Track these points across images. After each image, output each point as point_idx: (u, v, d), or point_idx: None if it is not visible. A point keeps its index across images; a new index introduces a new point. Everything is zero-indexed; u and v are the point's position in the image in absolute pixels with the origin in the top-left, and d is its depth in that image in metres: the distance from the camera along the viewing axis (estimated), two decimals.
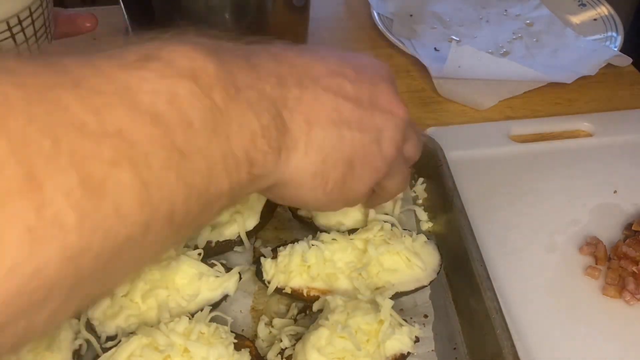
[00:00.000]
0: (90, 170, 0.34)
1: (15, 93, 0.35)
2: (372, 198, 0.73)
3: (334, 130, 0.54)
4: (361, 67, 0.59)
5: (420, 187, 0.96)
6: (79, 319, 0.75)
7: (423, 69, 1.23)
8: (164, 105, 0.39)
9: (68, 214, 0.35)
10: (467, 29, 1.36)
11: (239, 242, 0.86)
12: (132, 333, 0.71)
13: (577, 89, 1.20)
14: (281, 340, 0.74)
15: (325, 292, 0.80)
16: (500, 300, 0.75)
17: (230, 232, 0.86)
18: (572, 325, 0.80)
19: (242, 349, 0.73)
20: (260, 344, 0.76)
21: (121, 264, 0.40)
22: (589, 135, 1.10)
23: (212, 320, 0.75)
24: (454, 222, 0.86)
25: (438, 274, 0.83)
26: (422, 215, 0.93)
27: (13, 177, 0.33)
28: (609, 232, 0.92)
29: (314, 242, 0.81)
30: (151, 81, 0.40)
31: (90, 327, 0.76)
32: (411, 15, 1.38)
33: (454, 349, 0.78)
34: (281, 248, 0.82)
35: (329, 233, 0.82)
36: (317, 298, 0.79)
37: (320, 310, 0.77)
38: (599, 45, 1.27)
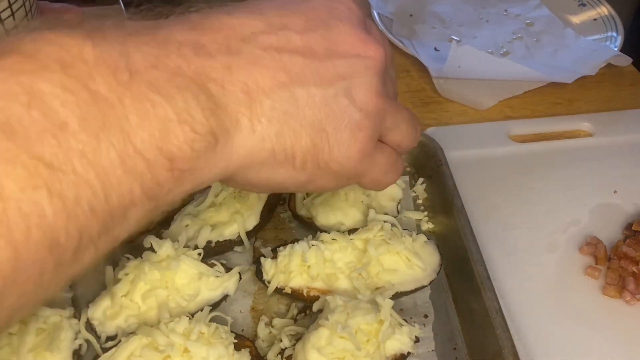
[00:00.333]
0: None
1: None
2: (387, 155, 0.58)
3: (284, 94, 0.45)
4: (312, 11, 0.49)
5: (420, 187, 0.96)
6: (79, 319, 0.76)
7: (423, 69, 1.23)
8: (20, 109, 0.32)
9: None
10: (467, 29, 1.36)
11: (239, 242, 0.86)
12: (132, 333, 0.71)
13: (577, 89, 1.20)
14: (281, 340, 0.74)
15: (325, 292, 0.80)
16: (500, 300, 0.75)
17: (230, 232, 0.86)
18: (572, 325, 0.80)
19: (242, 349, 0.73)
20: (260, 344, 0.76)
21: None
22: (589, 135, 1.10)
23: (212, 320, 0.75)
24: (454, 222, 0.86)
25: (438, 274, 0.83)
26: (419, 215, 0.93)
27: None
28: (609, 232, 0.92)
29: (314, 242, 0.81)
30: (3, 82, 0.32)
31: (90, 327, 0.76)
32: (411, 15, 1.38)
33: (454, 349, 0.78)
34: (281, 248, 0.82)
35: (329, 233, 0.83)
36: (317, 298, 0.79)
37: (320, 310, 0.77)
38: (599, 45, 1.27)
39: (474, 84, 1.19)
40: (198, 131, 0.40)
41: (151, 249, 0.80)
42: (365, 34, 0.50)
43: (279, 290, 0.80)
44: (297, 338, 0.74)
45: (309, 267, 0.80)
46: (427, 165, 0.96)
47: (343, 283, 0.80)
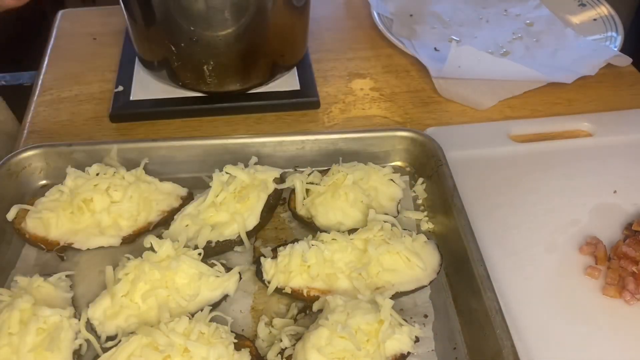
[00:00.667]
0: None
1: None
2: None
3: None
4: None
5: (420, 187, 0.96)
6: (79, 319, 0.76)
7: (423, 69, 1.23)
8: None
9: None
10: (467, 29, 1.36)
11: (239, 242, 0.86)
12: (132, 333, 0.71)
13: (577, 89, 1.20)
14: (281, 340, 0.74)
15: (325, 292, 0.80)
16: (500, 300, 0.75)
17: (230, 232, 0.86)
18: (572, 325, 0.80)
19: (242, 349, 0.73)
20: (260, 344, 0.77)
21: None
22: (589, 135, 1.10)
23: (212, 320, 0.76)
24: (454, 222, 0.86)
25: (438, 274, 0.83)
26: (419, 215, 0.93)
27: None
28: (609, 232, 0.92)
29: (314, 242, 0.81)
30: None
31: (90, 327, 0.76)
32: (411, 15, 1.38)
33: (454, 349, 0.78)
34: (281, 248, 0.82)
35: (329, 233, 0.83)
36: (317, 298, 0.79)
37: (320, 310, 0.77)
38: (599, 45, 1.27)
39: (474, 84, 1.19)
40: None
41: (151, 249, 0.80)
42: None
43: (279, 290, 0.80)
44: (297, 338, 0.74)
45: (309, 267, 0.80)
46: (427, 165, 0.96)
47: (343, 283, 0.80)
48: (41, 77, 1.21)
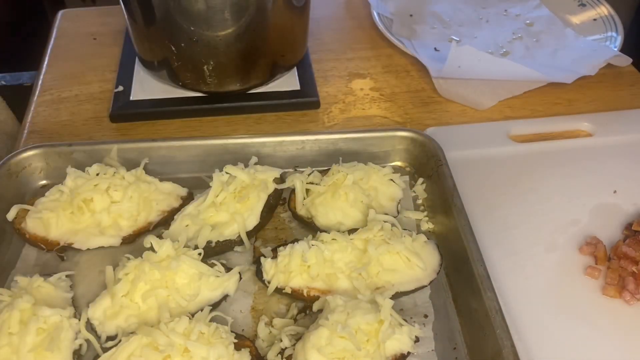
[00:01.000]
0: None
1: None
2: None
3: None
4: None
5: (420, 187, 0.96)
6: (79, 319, 0.76)
7: (423, 69, 1.23)
8: None
9: None
10: (467, 29, 1.36)
11: (239, 242, 0.86)
12: (132, 333, 0.71)
13: (577, 89, 1.20)
14: (281, 340, 0.74)
15: (325, 292, 0.80)
16: (500, 300, 0.75)
17: (230, 232, 0.86)
18: (572, 325, 0.81)
19: (242, 349, 0.73)
20: (260, 344, 0.77)
21: None
22: (589, 135, 1.10)
23: (212, 320, 0.76)
24: (454, 222, 0.86)
25: (438, 274, 0.83)
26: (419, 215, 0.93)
27: None
28: (609, 232, 0.92)
29: (314, 242, 0.81)
30: None
31: (90, 327, 0.76)
32: (411, 15, 1.38)
33: (454, 348, 0.78)
34: (281, 248, 0.82)
35: (329, 233, 0.83)
36: (317, 298, 0.79)
37: (320, 310, 0.77)
38: (598, 45, 1.27)
39: (474, 84, 1.19)
40: None
41: (151, 249, 0.80)
42: None
43: (279, 290, 0.80)
44: (297, 338, 0.74)
45: (309, 267, 0.80)
46: (427, 165, 0.96)
47: (343, 283, 0.80)
48: (41, 77, 1.21)
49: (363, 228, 0.83)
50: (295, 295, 0.80)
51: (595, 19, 1.35)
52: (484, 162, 1.03)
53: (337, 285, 0.80)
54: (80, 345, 0.74)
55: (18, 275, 0.80)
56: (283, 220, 0.94)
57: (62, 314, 0.73)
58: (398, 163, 1.02)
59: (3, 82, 1.41)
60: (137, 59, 1.18)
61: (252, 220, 0.87)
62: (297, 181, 0.90)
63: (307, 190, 0.91)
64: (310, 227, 0.89)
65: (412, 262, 0.81)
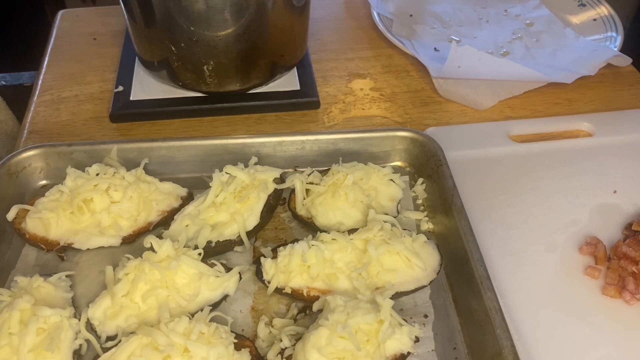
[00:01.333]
0: None
1: None
2: None
3: None
4: None
5: (420, 187, 0.96)
6: (79, 319, 0.76)
7: (423, 69, 1.23)
8: None
9: None
10: (467, 29, 1.36)
11: (239, 242, 0.86)
12: (132, 333, 0.71)
13: (577, 89, 1.20)
14: (281, 340, 0.74)
15: (325, 292, 0.80)
16: (500, 300, 0.75)
17: (230, 232, 0.86)
18: (572, 325, 0.81)
19: (242, 349, 0.73)
20: (260, 343, 0.77)
21: None
22: (589, 135, 1.10)
23: (212, 320, 0.76)
24: (453, 222, 0.86)
25: (438, 274, 0.83)
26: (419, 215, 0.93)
27: None
28: (609, 232, 0.92)
29: (314, 242, 0.81)
30: None
31: (90, 327, 0.76)
32: (411, 15, 1.38)
33: (454, 348, 0.78)
34: (281, 248, 0.82)
35: (329, 233, 0.83)
36: (317, 298, 0.79)
37: (320, 310, 0.77)
38: (598, 45, 1.27)
39: (474, 84, 1.19)
40: None
41: (151, 249, 0.80)
42: None
43: (279, 290, 0.80)
44: (297, 338, 0.74)
45: (309, 267, 0.80)
46: (427, 165, 0.96)
47: (343, 283, 0.80)
48: (41, 77, 1.21)
49: (363, 228, 0.83)
50: (295, 295, 0.80)
51: (595, 19, 1.35)
52: (484, 162, 1.03)
53: (337, 285, 0.80)
54: (80, 345, 0.74)
55: (18, 275, 0.80)
56: (283, 220, 0.94)
57: (62, 314, 0.73)
58: (398, 163, 1.02)
59: (3, 82, 1.41)
60: (137, 59, 1.18)
61: (252, 220, 0.87)
62: (297, 181, 0.90)
63: (307, 190, 0.91)
64: (310, 227, 0.89)
65: (412, 262, 0.81)
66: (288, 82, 1.16)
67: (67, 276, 0.82)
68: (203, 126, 1.10)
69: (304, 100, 1.13)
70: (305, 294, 0.80)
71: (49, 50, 1.28)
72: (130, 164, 0.93)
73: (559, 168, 1.02)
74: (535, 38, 1.32)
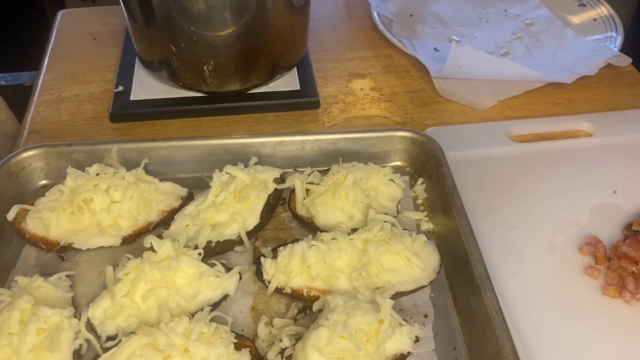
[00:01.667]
0: None
1: None
2: None
3: None
4: None
5: (420, 187, 0.96)
6: (79, 319, 0.76)
7: (423, 69, 1.23)
8: None
9: None
10: (467, 29, 1.36)
11: (239, 242, 0.86)
12: (133, 333, 0.71)
13: (577, 89, 1.20)
14: (281, 340, 0.74)
15: (325, 292, 0.80)
16: (500, 300, 0.75)
17: (230, 232, 0.86)
18: (572, 325, 0.81)
19: (242, 349, 0.73)
20: (260, 343, 0.77)
21: None
22: (589, 135, 1.10)
23: (213, 320, 0.76)
24: (454, 222, 0.86)
25: (438, 274, 0.83)
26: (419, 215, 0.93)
27: None
28: (609, 232, 0.92)
29: (314, 242, 0.81)
30: None
31: (90, 327, 0.76)
32: (411, 16, 1.38)
33: (454, 348, 0.78)
34: (281, 248, 0.82)
35: (329, 233, 0.83)
36: (317, 298, 0.79)
37: (320, 310, 0.77)
38: (598, 45, 1.27)
39: (474, 84, 1.19)
40: None
41: (151, 249, 0.80)
42: None
43: (279, 290, 0.80)
44: (297, 338, 0.74)
45: (309, 267, 0.80)
46: (427, 165, 0.96)
47: (343, 283, 0.80)
48: (41, 77, 1.21)
49: (363, 228, 0.83)
50: (295, 295, 0.80)
51: (595, 19, 1.35)
52: (484, 162, 1.03)
53: (337, 285, 0.80)
54: (81, 345, 0.74)
55: (18, 275, 0.80)
56: (283, 220, 0.94)
57: (62, 314, 0.73)
58: (398, 163, 1.02)
59: (3, 82, 1.41)
60: (137, 59, 1.18)
61: (252, 220, 0.87)
62: (297, 181, 0.90)
63: (307, 190, 0.91)
64: (310, 227, 0.89)
65: (412, 262, 0.81)
66: (288, 82, 1.16)
67: (67, 276, 0.82)
68: (203, 126, 1.10)
69: (304, 100, 1.13)
70: (305, 294, 0.80)
71: (49, 50, 1.28)
72: (130, 164, 0.93)
73: (559, 168, 1.02)
74: (535, 38, 1.32)
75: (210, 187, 0.87)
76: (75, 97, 1.16)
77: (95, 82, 1.19)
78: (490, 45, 1.30)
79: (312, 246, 0.80)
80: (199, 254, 0.81)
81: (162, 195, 0.91)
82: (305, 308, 0.80)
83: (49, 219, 0.84)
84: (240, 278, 0.82)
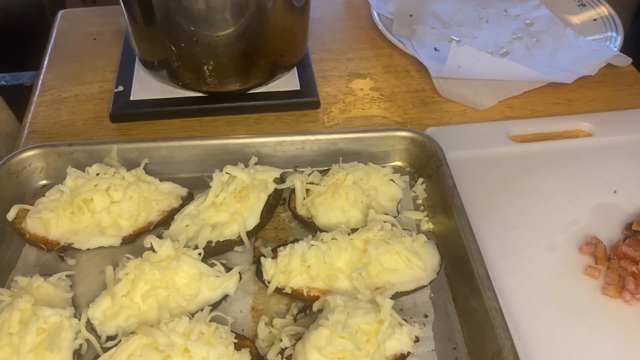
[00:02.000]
0: None
1: None
2: None
3: None
4: None
5: (420, 187, 0.96)
6: (79, 319, 0.76)
7: (423, 69, 1.23)
8: None
9: None
10: (467, 29, 1.36)
11: (239, 242, 0.86)
12: (133, 333, 0.71)
13: (577, 89, 1.20)
14: (281, 340, 0.74)
15: (325, 292, 0.80)
16: (500, 300, 0.75)
17: (230, 232, 0.86)
18: (572, 325, 0.81)
19: (242, 349, 0.73)
20: (260, 343, 0.77)
21: None
22: (589, 135, 1.10)
23: (213, 320, 0.76)
24: (454, 222, 0.86)
25: (438, 274, 0.83)
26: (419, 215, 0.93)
27: None
28: (609, 232, 0.92)
29: (314, 242, 0.81)
30: None
31: (90, 327, 0.76)
32: (411, 15, 1.38)
33: (454, 348, 0.78)
34: (281, 248, 0.82)
35: (329, 233, 0.83)
36: (317, 298, 0.79)
37: (320, 310, 0.77)
38: (598, 45, 1.27)
39: (474, 84, 1.19)
40: None
41: (151, 249, 0.80)
42: None
43: (279, 290, 0.80)
44: (297, 338, 0.74)
45: (309, 267, 0.80)
46: (427, 165, 0.96)
47: (343, 283, 0.80)
48: (41, 77, 1.21)
49: (363, 228, 0.83)
50: (295, 295, 0.80)
51: (595, 19, 1.35)
52: (484, 162, 1.03)
53: (337, 285, 0.80)
54: (81, 345, 0.74)
55: (18, 275, 0.80)
56: (283, 220, 0.94)
57: (62, 314, 0.73)
58: (398, 163, 1.02)
59: (3, 82, 1.41)
60: (137, 59, 1.18)
61: (252, 220, 0.87)
62: (297, 181, 0.90)
63: (307, 190, 0.91)
64: (310, 227, 0.89)
65: (412, 262, 0.81)
66: (288, 82, 1.16)
67: (67, 276, 0.82)
68: (203, 126, 1.10)
69: (304, 100, 1.13)
70: (305, 294, 0.80)
71: (49, 50, 1.28)
72: (130, 164, 0.93)
73: (559, 168, 1.02)
74: (535, 38, 1.32)
75: (210, 187, 0.87)
76: (75, 97, 1.16)
77: (95, 82, 1.19)
78: (490, 45, 1.30)
79: (312, 246, 0.80)
80: (199, 254, 0.81)
81: (162, 195, 0.91)
82: (305, 308, 0.80)
83: (49, 219, 0.84)
84: (240, 278, 0.82)
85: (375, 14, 1.34)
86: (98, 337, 0.75)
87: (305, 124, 1.12)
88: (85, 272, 0.85)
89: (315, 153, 0.99)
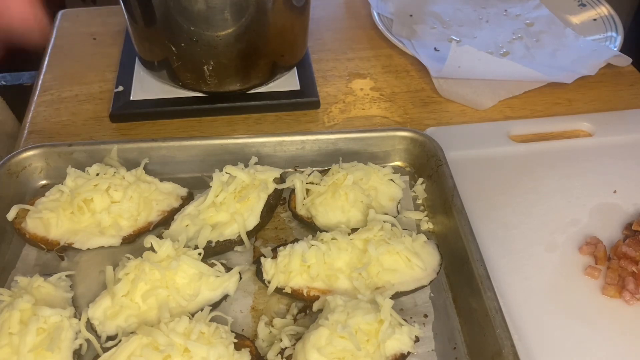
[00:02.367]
0: None
1: None
2: None
3: None
4: None
5: (420, 187, 0.96)
6: (79, 319, 0.76)
7: (423, 69, 1.23)
8: None
9: None
10: (467, 29, 1.36)
11: (239, 242, 0.86)
12: (132, 333, 0.71)
13: (577, 89, 1.20)
14: (281, 340, 0.74)
15: (325, 292, 0.80)
16: (500, 300, 0.75)
17: (230, 232, 0.86)
18: (572, 325, 0.81)
19: (242, 349, 0.73)
20: (260, 343, 0.77)
21: None
22: (589, 135, 1.10)
23: (213, 320, 0.76)
24: (454, 222, 0.86)
25: (438, 274, 0.83)
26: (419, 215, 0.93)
27: None
28: (609, 232, 0.92)
29: (313, 242, 0.81)
30: None
31: (90, 327, 0.76)
32: (411, 15, 1.38)
33: (454, 348, 0.78)
34: (281, 248, 0.82)
35: (329, 233, 0.83)
36: (317, 298, 0.79)
37: (320, 310, 0.77)
38: (598, 45, 1.27)
39: (474, 84, 1.19)
40: None
41: (151, 249, 0.80)
42: None
43: (279, 290, 0.80)
44: (297, 338, 0.74)
45: (309, 267, 0.80)
46: (427, 165, 0.96)
47: (343, 283, 0.80)
48: (41, 77, 1.21)
49: (363, 228, 0.83)
50: (295, 295, 0.80)
51: (595, 19, 1.35)
52: (484, 162, 1.03)
53: (337, 285, 0.80)
54: (81, 345, 0.74)
55: (18, 275, 0.80)
56: (283, 220, 0.94)
57: (62, 314, 0.73)
58: (398, 163, 1.02)
59: (3, 82, 1.41)
60: (137, 59, 1.18)
61: (252, 220, 0.87)
62: (297, 181, 0.91)
63: (307, 190, 0.91)
64: (310, 227, 0.89)
65: (412, 262, 0.81)
66: (288, 82, 1.16)
67: (67, 276, 0.82)
68: (203, 126, 1.10)
69: (304, 100, 1.13)
70: (305, 294, 0.80)
71: (49, 50, 1.28)
72: (130, 164, 0.93)
73: (559, 168, 1.02)
74: (535, 38, 1.32)
75: (210, 187, 0.87)
76: (75, 97, 1.16)
77: (95, 82, 1.19)
78: (490, 45, 1.30)
79: (312, 246, 0.80)
80: (199, 254, 0.81)
81: (162, 195, 0.91)
82: (305, 308, 0.80)
83: (49, 219, 0.84)
84: (240, 278, 0.82)
85: (375, 14, 1.34)
86: (98, 337, 0.75)
87: (305, 124, 1.12)
88: (85, 272, 0.85)
89: (315, 153, 0.99)
